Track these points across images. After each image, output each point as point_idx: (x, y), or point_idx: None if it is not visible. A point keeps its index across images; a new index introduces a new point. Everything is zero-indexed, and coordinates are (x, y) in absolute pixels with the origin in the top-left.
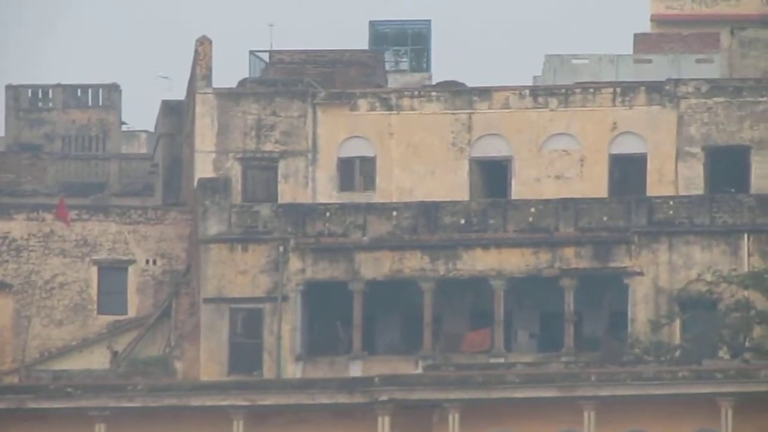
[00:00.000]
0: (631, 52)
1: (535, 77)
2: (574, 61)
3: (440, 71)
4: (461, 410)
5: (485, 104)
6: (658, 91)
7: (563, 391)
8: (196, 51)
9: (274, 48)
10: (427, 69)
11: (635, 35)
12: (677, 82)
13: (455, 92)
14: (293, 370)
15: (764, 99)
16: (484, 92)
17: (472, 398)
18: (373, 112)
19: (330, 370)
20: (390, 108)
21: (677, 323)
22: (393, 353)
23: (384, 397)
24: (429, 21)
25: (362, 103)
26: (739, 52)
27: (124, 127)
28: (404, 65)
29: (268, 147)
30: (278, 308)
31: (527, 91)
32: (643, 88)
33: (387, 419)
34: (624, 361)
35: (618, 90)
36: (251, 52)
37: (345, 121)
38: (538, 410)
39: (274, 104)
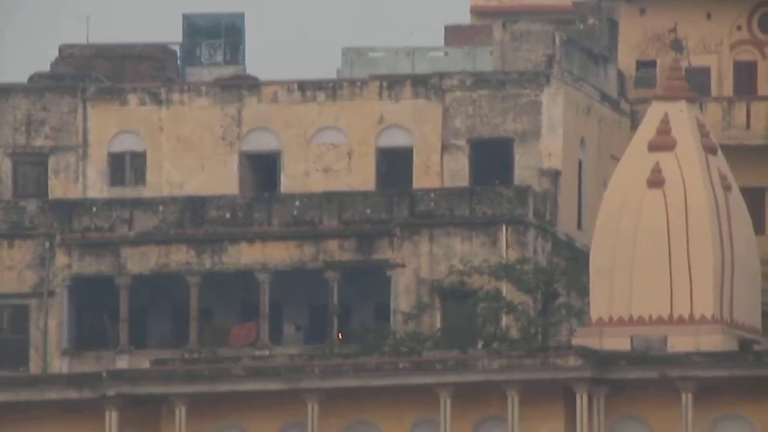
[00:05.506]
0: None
1: (338, 70)
2: (371, 54)
3: (254, 64)
4: (188, 404)
5: (254, 99)
6: (424, 85)
7: (287, 384)
8: None
9: (91, 41)
10: (243, 62)
11: (446, 27)
12: (442, 75)
13: (224, 87)
14: (60, 365)
15: (527, 91)
16: (254, 87)
17: (198, 392)
18: (143, 107)
19: (97, 365)
20: (160, 103)
21: (437, 314)
22: (162, 347)
23: (112, 392)
24: (242, 14)
25: (132, 98)
26: (511, 45)
27: None
28: (219, 58)
29: (39, 142)
30: (44, 303)
31: (296, 86)
32: (409, 81)
33: (115, 414)
34: (383, 351)
35: (385, 84)
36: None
37: (115, 116)
38: (263, 403)
39: (44, 99)
